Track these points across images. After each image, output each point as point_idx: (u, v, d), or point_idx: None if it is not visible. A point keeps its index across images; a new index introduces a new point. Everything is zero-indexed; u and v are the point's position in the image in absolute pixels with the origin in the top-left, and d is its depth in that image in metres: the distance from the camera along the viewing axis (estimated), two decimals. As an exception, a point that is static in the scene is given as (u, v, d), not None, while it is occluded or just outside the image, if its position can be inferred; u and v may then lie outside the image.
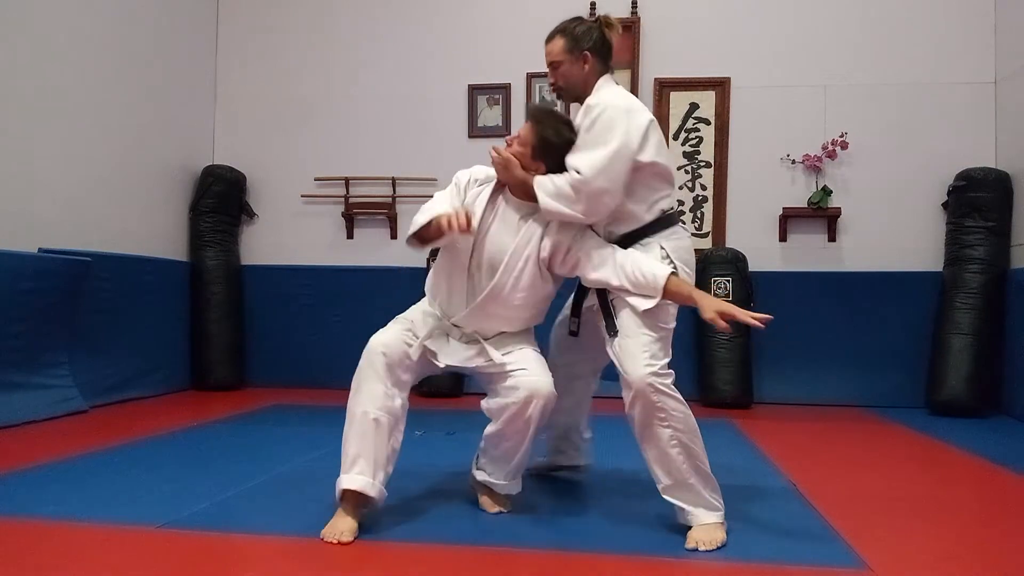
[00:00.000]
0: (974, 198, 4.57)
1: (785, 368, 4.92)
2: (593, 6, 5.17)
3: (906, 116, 4.91)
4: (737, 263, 4.78)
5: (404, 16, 5.40)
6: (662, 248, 2.20)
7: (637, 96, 5.03)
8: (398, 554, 1.97)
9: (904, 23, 4.94)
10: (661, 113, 5.12)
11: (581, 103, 2.26)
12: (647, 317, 2.12)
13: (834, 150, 4.90)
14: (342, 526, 2.03)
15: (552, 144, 2.19)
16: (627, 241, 2.22)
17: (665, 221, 2.23)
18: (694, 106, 5.13)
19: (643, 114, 2.19)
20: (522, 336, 2.34)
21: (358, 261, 5.37)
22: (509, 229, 2.24)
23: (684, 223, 5.04)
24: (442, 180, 5.21)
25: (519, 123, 5.27)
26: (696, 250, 4.92)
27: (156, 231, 4.97)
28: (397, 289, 5.15)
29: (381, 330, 2.28)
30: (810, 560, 1.92)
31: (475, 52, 5.32)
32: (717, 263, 4.79)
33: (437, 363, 2.26)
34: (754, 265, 4.86)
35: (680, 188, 5.13)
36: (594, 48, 2.25)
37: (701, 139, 5.13)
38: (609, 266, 2.16)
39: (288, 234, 5.48)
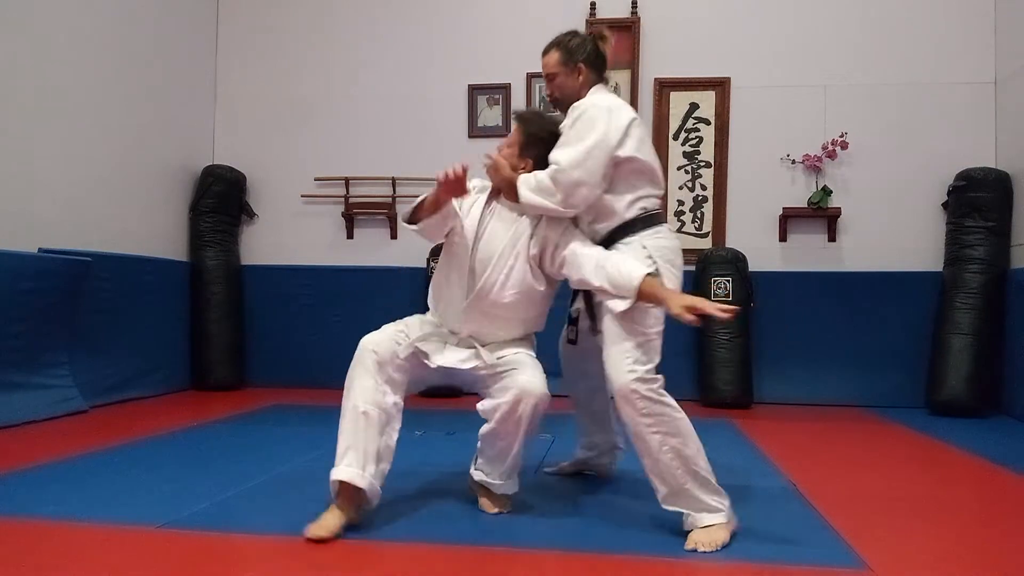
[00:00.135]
0: (974, 198, 4.57)
1: (785, 368, 4.92)
2: (593, 6, 5.17)
3: (906, 116, 4.91)
4: (737, 263, 4.78)
5: (404, 16, 5.40)
6: (644, 247, 2.20)
7: (637, 96, 5.11)
8: (398, 554, 1.97)
9: (904, 23, 4.94)
10: (661, 113, 5.13)
11: None
12: (629, 322, 2.11)
13: (834, 150, 4.90)
14: (326, 519, 2.04)
15: (537, 137, 2.29)
16: (610, 239, 2.25)
17: (648, 220, 2.25)
18: (694, 106, 5.13)
19: (625, 112, 2.24)
20: (519, 342, 2.35)
21: (358, 261, 5.37)
22: (503, 230, 2.30)
23: (684, 223, 5.12)
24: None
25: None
26: (696, 250, 5.03)
27: (156, 231, 4.97)
28: (397, 289, 5.17)
29: (373, 332, 2.30)
30: (810, 560, 1.92)
31: (475, 52, 5.32)
32: (717, 263, 4.79)
33: (429, 363, 2.27)
34: (754, 265, 4.86)
35: (680, 188, 5.13)
36: (588, 60, 2.34)
37: (701, 139, 5.13)
38: (591, 266, 2.18)
39: (288, 234, 5.49)
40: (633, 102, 5.11)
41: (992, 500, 2.67)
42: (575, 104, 2.28)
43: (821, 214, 4.92)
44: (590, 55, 2.34)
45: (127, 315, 4.50)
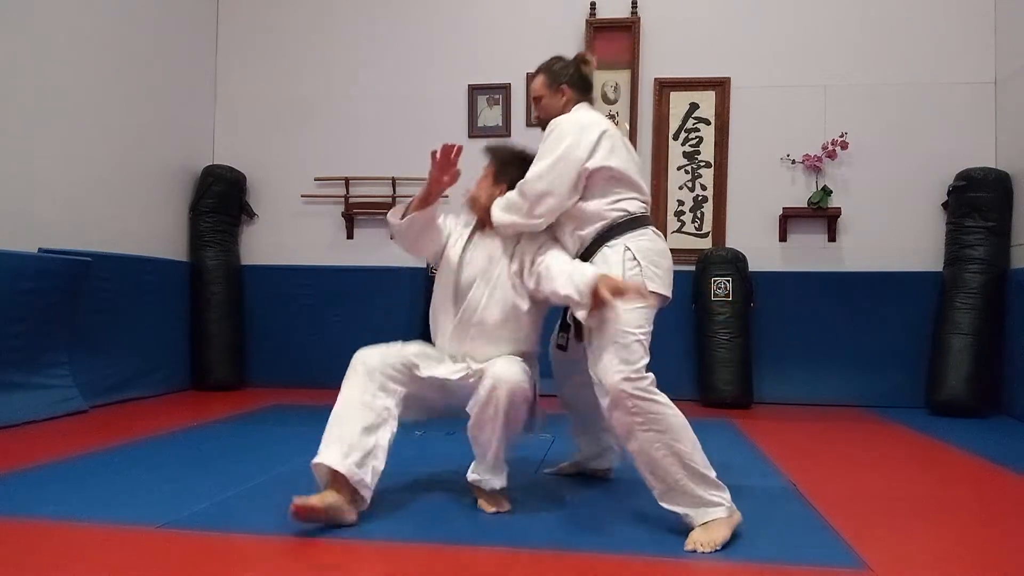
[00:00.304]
0: (974, 198, 4.57)
1: (785, 368, 4.92)
2: (593, 6, 5.17)
3: (906, 116, 4.91)
4: (737, 263, 4.78)
5: (404, 16, 5.40)
6: (628, 249, 2.23)
7: (637, 96, 5.11)
8: (397, 554, 1.97)
9: (904, 23, 4.94)
10: (661, 113, 5.13)
11: None
12: (614, 324, 2.13)
13: (834, 150, 4.90)
14: (315, 495, 2.07)
15: (506, 163, 2.46)
16: (595, 243, 2.30)
17: (632, 223, 2.29)
18: (694, 106, 5.13)
19: (597, 127, 2.32)
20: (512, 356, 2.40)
21: (358, 261, 5.37)
22: (486, 253, 2.45)
23: (684, 223, 5.12)
24: (442, 180, 5.22)
25: (519, 123, 5.29)
26: (696, 250, 5.02)
27: (156, 231, 4.97)
28: (397, 289, 5.17)
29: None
30: (810, 560, 1.92)
31: (475, 52, 5.32)
32: (717, 263, 4.79)
33: (419, 373, 2.31)
34: (754, 265, 4.86)
35: (680, 188, 5.13)
36: (571, 82, 2.47)
37: (701, 139, 5.13)
38: (563, 278, 2.23)
39: (288, 234, 5.49)
40: (633, 102, 5.12)
41: (992, 500, 2.67)
42: (550, 123, 2.39)
43: (821, 214, 4.92)
44: (573, 77, 2.47)
45: (127, 315, 4.50)
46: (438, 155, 2.27)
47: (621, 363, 2.09)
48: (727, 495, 2.07)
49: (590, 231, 2.31)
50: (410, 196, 5.21)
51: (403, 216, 2.42)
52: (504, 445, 2.27)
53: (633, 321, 2.14)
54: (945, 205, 4.80)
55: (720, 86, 5.09)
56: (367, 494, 2.17)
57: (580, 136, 2.28)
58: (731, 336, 4.69)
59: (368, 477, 2.16)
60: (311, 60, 5.50)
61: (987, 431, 4.02)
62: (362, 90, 5.43)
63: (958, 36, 4.89)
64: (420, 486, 2.57)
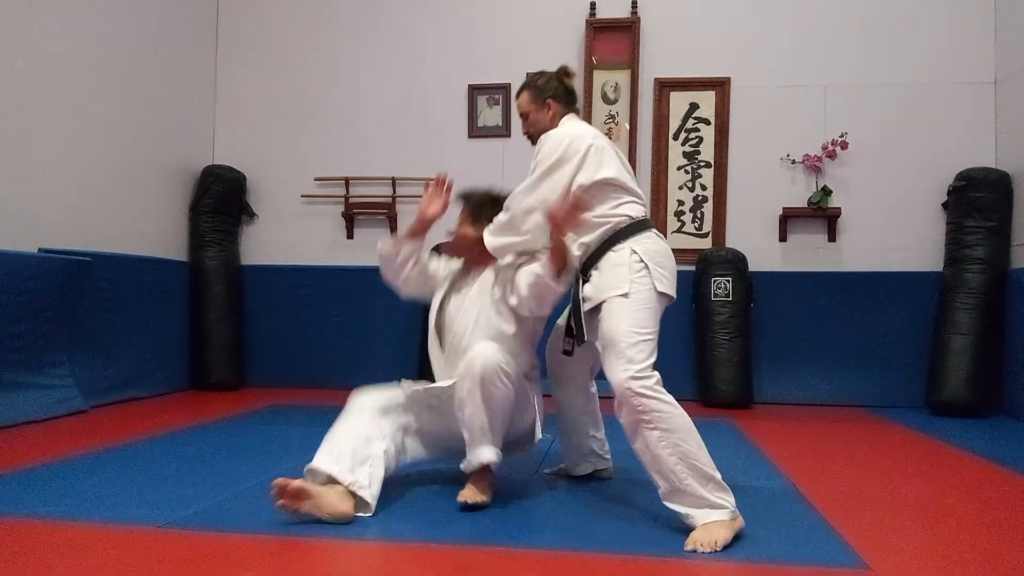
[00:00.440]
0: (974, 198, 4.57)
1: (785, 368, 4.92)
2: (593, 6, 5.17)
3: (906, 116, 4.91)
4: (737, 263, 4.78)
5: (404, 16, 5.41)
6: (634, 252, 2.26)
7: (637, 96, 5.11)
8: (397, 554, 1.97)
9: (904, 23, 4.94)
10: (661, 113, 5.13)
11: None
12: (621, 327, 2.16)
13: (834, 150, 4.90)
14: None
15: (482, 204, 2.55)
16: (601, 248, 2.32)
17: (635, 227, 2.32)
18: (694, 106, 5.13)
19: (585, 140, 2.35)
20: None
21: (358, 261, 5.36)
22: (468, 286, 2.56)
23: (684, 223, 5.11)
24: (442, 180, 5.22)
25: (519, 123, 5.24)
26: (696, 250, 5.02)
27: (156, 231, 4.97)
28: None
29: None
30: (810, 560, 1.92)
31: (475, 52, 5.32)
32: (717, 263, 4.79)
33: (416, 386, 2.46)
34: (754, 265, 4.86)
35: (680, 188, 5.14)
36: (555, 95, 2.53)
37: (701, 139, 5.13)
38: (524, 273, 2.37)
39: (288, 234, 5.49)
40: (633, 102, 5.12)
41: (992, 500, 2.67)
42: (541, 137, 2.43)
43: (821, 214, 4.93)
44: (557, 90, 2.52)
45: (127, 315, 4.50)
46: (430, 187, 2.44)
47: (628, 362, 2.11)
48: (732, 499, 2.07)
49: (594, 237, 2.33)
50: (410, 196, 5.28)
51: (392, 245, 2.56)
52: (489, 420, 2.26)
53: (641, 321, 2.17)
54: (945, 205, 4.80)
55: (720, 86, 5.09)
56: (365, 494, 2.17)
57: (567, 149, 2.32)
58: (731, 336, 4.69)
59: (362, 478, 2.17)
60: (311, 60, 5.50)
61: (987, 431, 4.02)
62: (362, 90, 5.43)
63: (958, 36, 4.89)
64: (420, 486, 2.57)
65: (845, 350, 4.88)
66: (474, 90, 5.31)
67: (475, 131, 5.30)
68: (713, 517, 2.03)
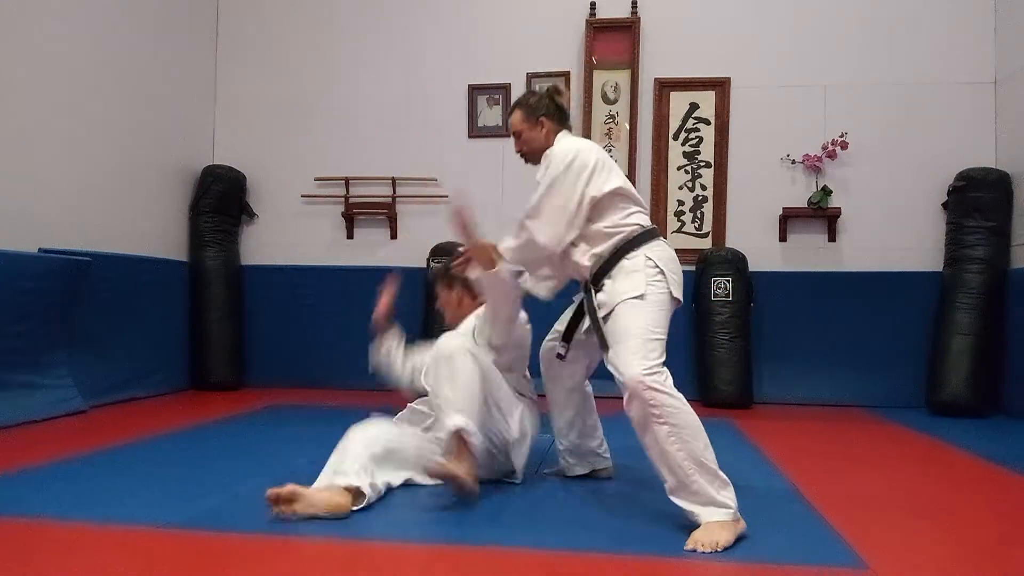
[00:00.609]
0: (974, 198, 4.57)
1: (785, 368, 4.92)
2: (593, 6, 5.18)
3: (906, 116, 4.91)
4: (737, 263, 4.78)
5: (404, 16, 5.41)
6: (648, 258, 2.30)
7: (637, 96, 5.11)
8: (396, 554, 1.97)
9: (904, 23, 4.94)
10: (661, 113, 5.13)
11: None
12: (637, 324, 2.20)
13: (834, 150, 4.90)
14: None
15: (446, 270, 2.71)
16: (614, 257, 2.34)
17: (646, 235, 2.36)
18: (694, 106, 5.13)
19: (592, 153, 2.40)
20: None
21: (358, 261, 5.37)
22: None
23: (684, 223, 5.12)
24: (442, 180, 5.22)
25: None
26: (696, 250, 5.02)
27: (156, 231, 4.97)
28: (397, 289, 5.17)
29: None
30: (810, 560, 1.92)
31: (475, 52, 5.32)
32: (717, 263, 4.79)
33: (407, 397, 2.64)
34: (754, 265, 4.86)
35: (680, 188, 5.14)
36: (548, 113, 2.54)
37: (701, 139, 5.13)
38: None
39: (288, 234, 5.49)
40: (633, 102, 5.12)
41: (992, 500, 2.67)
42: (545, 154, 2.46)
43: (821, 214, 4.93)
44: (549, 108, 2.54)
45: (127, 315, 4.50)
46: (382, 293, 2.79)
47: (641, 358, 2.14)
48: (735, 500, 2.08)
49: (607, 247, 2.36)
50: (410, 196, 5.29)
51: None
52: (456, 390, 2.34)
53: (656, 321, 2.22)
54: (945, 205, 4.80)
55: (720, 86, 5.09)
56: (358, 481, 2.21)
57: (576, 163, 2.35)
58: (731, 336, 4.69)
59: (353, 475, 2.21)
60: (311, 60, 5.50)
61: (987, 431, 4.01)
62: (362, 90, 5.43)
63: (958, 36, 4.89)
64: (419, 486, 2.57)
65: (845, 350, 4.87)
66: (474, 90, 5.31)
67: (475, 131, 5.30)
68: (717, 516, 2.04)
